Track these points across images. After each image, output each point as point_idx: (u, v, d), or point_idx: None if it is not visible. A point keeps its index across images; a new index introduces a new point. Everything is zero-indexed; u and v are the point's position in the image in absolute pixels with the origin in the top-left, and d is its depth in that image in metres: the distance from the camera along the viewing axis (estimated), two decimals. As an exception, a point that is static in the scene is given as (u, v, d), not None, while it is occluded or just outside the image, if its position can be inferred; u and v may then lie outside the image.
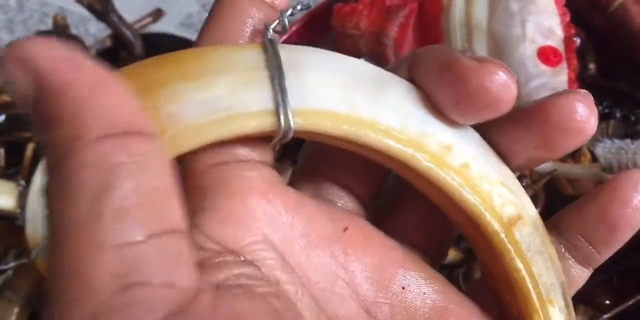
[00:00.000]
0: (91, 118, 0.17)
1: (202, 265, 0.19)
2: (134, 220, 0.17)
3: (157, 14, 0.72)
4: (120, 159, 0.17)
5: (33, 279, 0.53)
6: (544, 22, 0.51)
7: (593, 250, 0.25)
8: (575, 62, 0.51)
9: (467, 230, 0.23)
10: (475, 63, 0.21)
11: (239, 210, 0.20)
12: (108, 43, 0.68)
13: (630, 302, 0.50)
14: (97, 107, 0.17)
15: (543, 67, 0.50)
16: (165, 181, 0.18)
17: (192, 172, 0.21)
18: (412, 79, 0.22)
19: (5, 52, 0.17)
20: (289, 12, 0.23)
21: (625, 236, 0.24)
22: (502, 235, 0.22)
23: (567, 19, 0.52)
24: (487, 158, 0.22)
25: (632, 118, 0.58)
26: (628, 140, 0.49)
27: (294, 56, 0.21)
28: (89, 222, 0.16)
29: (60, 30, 0.67)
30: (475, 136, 0.23)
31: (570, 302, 0.24)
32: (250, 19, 0.22)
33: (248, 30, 0.22)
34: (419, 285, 0.23)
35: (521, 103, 0.49)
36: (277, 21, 0.22)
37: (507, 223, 0.22)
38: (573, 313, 0.24)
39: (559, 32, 0.52)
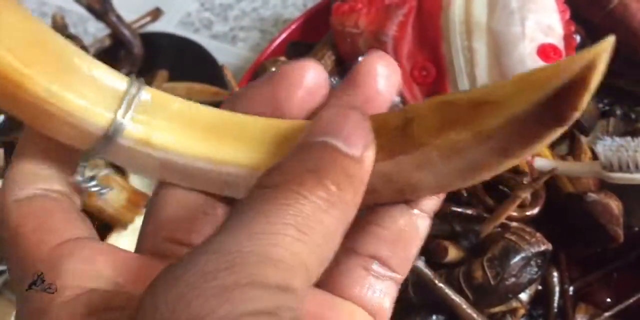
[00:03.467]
0: (348, 209, 0.22)
1: None
2: None
3: (155, 13, 0.72)
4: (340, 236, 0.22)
5: (33, 280, 0.53)
6: (543, 20, 0.51)
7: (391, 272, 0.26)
8: (575, 59, 0.51)
9: None
10: None
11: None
12: (107, 42, 0.68)
13: (631, 300, 0.50)
14: None
15: (543, 65, 0.50)
16: None
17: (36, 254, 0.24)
18: None
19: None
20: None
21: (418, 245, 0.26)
22: None
23: (567, 16, 0.52)
24: None
25: (633, 116, 0.58)
26: (629, 138, 0.49)
27: None
28: None
29: (59, 30, 0.67)
30: None
31: None
32: None
33: None
34: None
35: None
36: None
37: None
38: None
39: (559, 30, 0.51)
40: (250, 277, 0.19)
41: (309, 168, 0.21)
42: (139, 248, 0.26)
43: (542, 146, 0.21)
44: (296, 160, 0.22)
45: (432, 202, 0.26)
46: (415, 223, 0.26)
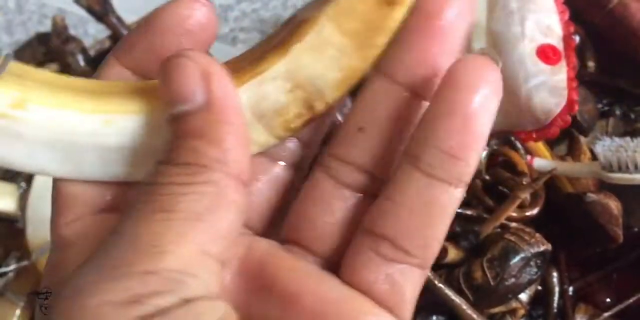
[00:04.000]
0: (231, 160, 0.20)
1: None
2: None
3: (156, 15, 0.72)
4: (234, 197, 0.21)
5: (34, 281, 0.53)
6: (543, 20, 0.51)
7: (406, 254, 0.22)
8: (574, 60, 0.51)
9: None
10: None
11: None
12: (107, 44, 0.68)
13: (631, 300, 0.50)
14: (232, 147, 0.21)
15: (542, 66, 0.50)
16: None
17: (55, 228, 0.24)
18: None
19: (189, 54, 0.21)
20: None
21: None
22: None
23: (566, 16, 0.52)
24: None
25: (632, 116, 0.58)
26: (628, 138, 0.49)
27: None
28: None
29: (59, 32, 0.67)
30: None
31: None
32: None
33: None
34: None
35: (518, 102, 0.49)
36: None
37: None
38: None
39: (558, 30, 0.51)
40: (118, 270, 0.19)
41: (161, 159, 0.21)
42: None
43: None
44: (163, 152, 0.21)
45: (456, 169, 0.21)
46: (436, 196, 0.21)
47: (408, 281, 0.22)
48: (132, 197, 0.21)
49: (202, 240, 0.20)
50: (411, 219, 0.21)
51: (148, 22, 0.23)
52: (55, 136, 0.22)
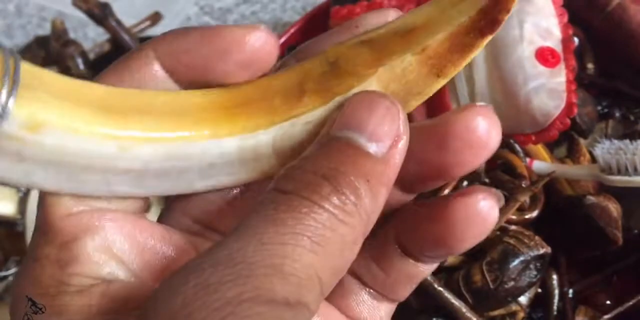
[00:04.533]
0: (372, 218, 0.21)
1: None
2: None
3: (155, 18, 0.72)
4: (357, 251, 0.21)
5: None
6: (541, 23, 0.51)
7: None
8: (573, 62, 0.51)
9: None
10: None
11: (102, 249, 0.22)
12: (106, 47, 0.68)
13: (630, 303, 0.50)
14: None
15: (541, 68, 0.50)
16: None
17: (51, 218, 0.22)
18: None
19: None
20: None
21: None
22: None
23: (565, 19, 0.52)
24: None
25: (631, 118, 0.58)
26: (627, 141, 0.49)
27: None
28: None
29: (58, 35, 0.67)
30: None
31: None
32: None
33: None
34: None
35: (517, 105, 0.48)
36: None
37: None
38: None
39: (557, 33, 0.52)
40: (256, 291, 0.18)
41: (325, 173, 0.20)
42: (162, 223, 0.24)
43: (468, 61, 0.22)
44: (313, 161, 0.20)
45: (442, 257, 0.24)
46: (418, 274, 0.24)
47: (388, 313, 0.25)
48: (264, 200, 0.20)
49: (326, 274, 0.20)
50: (395, 285, 0.24)
51: (205, 35, 0.22)
52: (64, 159, 0.21)
